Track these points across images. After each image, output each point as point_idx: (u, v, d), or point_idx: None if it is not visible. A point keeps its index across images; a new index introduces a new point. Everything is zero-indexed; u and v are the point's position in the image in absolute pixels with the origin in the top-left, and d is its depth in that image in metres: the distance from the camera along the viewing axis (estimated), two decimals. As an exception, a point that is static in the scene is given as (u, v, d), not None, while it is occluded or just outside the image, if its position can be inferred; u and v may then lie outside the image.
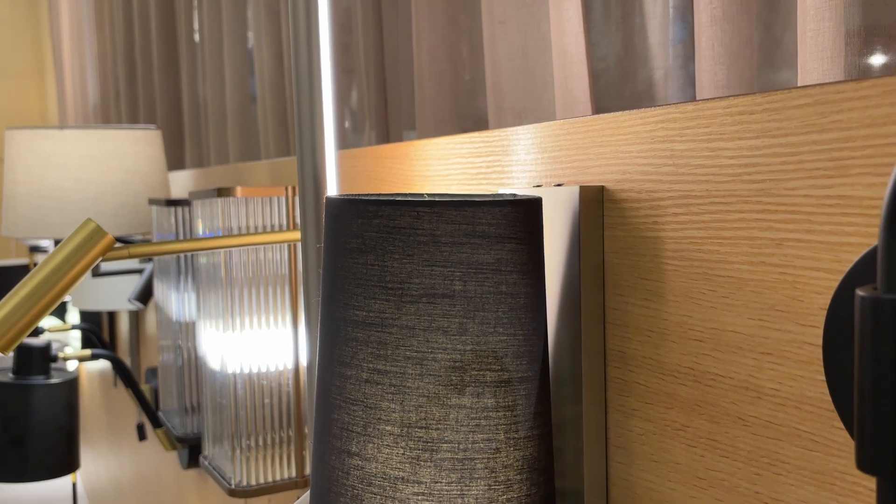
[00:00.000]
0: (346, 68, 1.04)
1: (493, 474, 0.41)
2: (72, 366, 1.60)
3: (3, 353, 0.62)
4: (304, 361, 0.86)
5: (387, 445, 0.40)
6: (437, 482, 0.40)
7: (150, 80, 1.91)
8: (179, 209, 1.04)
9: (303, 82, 0.60)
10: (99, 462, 2.54)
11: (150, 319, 1.68)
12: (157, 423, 1.38)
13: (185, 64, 1.68)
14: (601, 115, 0.46)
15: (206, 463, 0.92)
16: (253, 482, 0.85)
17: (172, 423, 1.12)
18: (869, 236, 0.33)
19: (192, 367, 1.07)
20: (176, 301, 1.09)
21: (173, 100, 1.76)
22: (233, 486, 0.84)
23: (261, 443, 0.85)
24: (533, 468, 0.42)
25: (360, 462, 0.41)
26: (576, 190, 0.46)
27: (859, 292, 0.28)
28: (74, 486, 1.48)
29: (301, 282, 0.85)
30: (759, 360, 0.38)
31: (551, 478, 0.44)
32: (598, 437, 0.48)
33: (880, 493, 0.28)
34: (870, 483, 0.34)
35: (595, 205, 0.47)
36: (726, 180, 0.39)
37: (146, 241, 0.67)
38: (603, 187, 0.46)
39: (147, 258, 1.45)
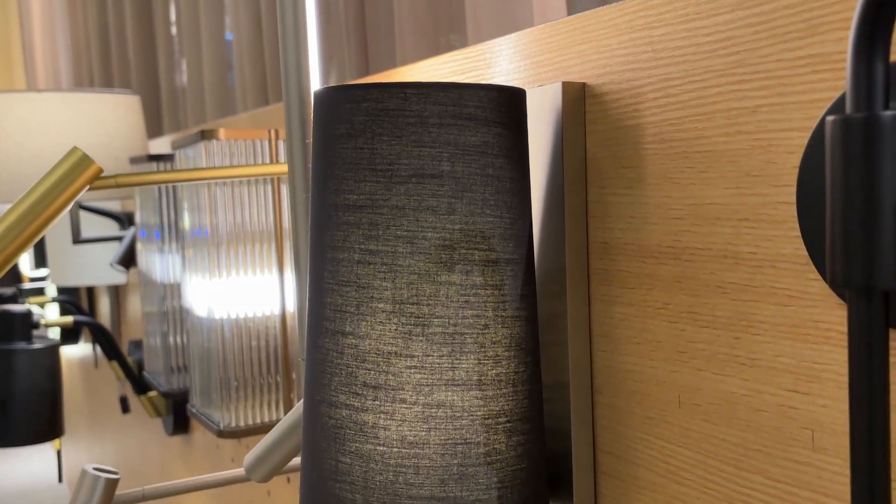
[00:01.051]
0: (325, 5, 1.04)
1: (483, 349, 0.42)
2: (53, 333, 1.59)
3: (-8, 279, 0.62)
4: (290, 307, 0.87)
5: (379, 322, 0.42)
6: (428, 356, 0.41)
7: (123, 36, 1.90)
8: (162, 165, 1.04)
9: (287, 18, 0.61)
10: (80, 448, 2.53)
11: (131, 297, 1.68)
12: (141, 391, 1.39)
13: (161, 37, 1.67)
14: (580, 14, 0.48)
15: (194, 410, 0.92)
16: (241, 423, 0.86)
17: (158, 381, 1.12)
18: (839, 89, 0.35)
19: (178, 326, 1.08)
20: (160, 263, 1.09)
21: (149, 66, 1.76)
22: (221, 428, 0.85)
23: (248, 387, 0.86)
24: (520, 347, 0.43)
25: (353, 340, 0.42)
26: (558, 87, 0.48)
27: (829, 118, 0.30)
28: (59, 452, 1.47)
29: (287, 236, 0.86)
30: (737, 226, 0.40)
31: (538, 360, 0.45)
32: (582, 330, 0.49)
33: (852, 306, 0.29)
34: (841, 326, 0.35)
35: (577, 102, 0.48)
36: (703, 58, 0.40)
37: (134, 174, 0.67)
38: (584, 84, 0.48)
39: (128, 225, 1.45)
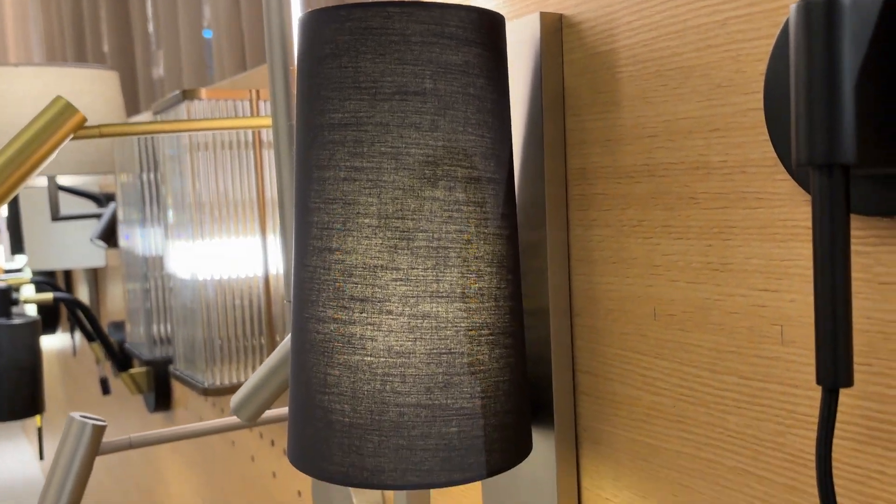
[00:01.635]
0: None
1: (465, 263, 0.43)
2: (31, 311, 1.58)
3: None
4: (273, 270, 0.88)
5: (366, 237, 0.43)
6: (413, 269, 0.43)
7: (97, 13, 1.89)
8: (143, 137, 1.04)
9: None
10: (60, 434, 2.51)
11: (110, 280, 1.68)
12: (123, 368, 1.38)
13: (136, 15, 1.67)
14: (557, -53, 0.49)
15: (178, 373, 0.93)
16: (226, 382, 0.86)
17: (140, 352, 1.12)
18: (802, -6, 0.36)
19: (161, 296, 1.08)
20: (142, 237, 1.10)
21: (125, 41, 1.75)
22: (206, 386, 0.86)
23: (232, 346, 0.87)
24: (502, 264, 0.45)
25: (340, 256, 0.43)
26: (536, 18, 0.49)
27: (792, 5, 0.31)
28: (40, 430, 1.47)
29: (269, 202, 0.87)
30: (708, 137, 0.41)
31: (519, 280, 0.47)
32: (561, 255, 0.51)
33: (815, 182, 0.31)
34: (806, 221, 0.37)
35: (555, 33, 0.50)
36: (674, -23, 0.42)
37: (118, 124, 0.68)
38: (562, 15, 0.49)
39: (109, 201, 1.45)
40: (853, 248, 0.36)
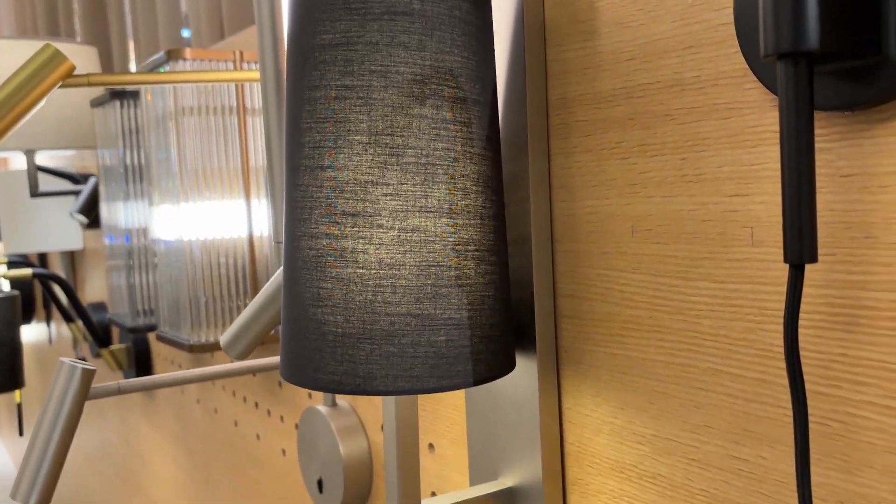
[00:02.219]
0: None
1: (453, 181, 0.45)
2: (6, 286, 1.58)
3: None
4: (257, 232, 0.89)
5: (356, 154, 0.45)
6: (403, 184, 0.44)
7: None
8: (127, 102, 1.05)
9: None
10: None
11: (88, 262, 1.67)
12: (103, 344, 1.39)
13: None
14: None
15: (163, 334, 0.94)
16: (211, 339, 0.88)
17: (123, 321, 1.13)
18: None
19: (144, 266, 1.09)
20: (124, 209, 1.10)
21: (98, 16, 1.75)
22: (191, 343, 0.87)
23: (217, 305, 0.88)
24: (487, 185, 0.47)
25: (332, 173, 0.45)
26: (516, -46, 0.51)
27: None
28: (19, 406, 1.46)
29: (252, 169, 0.88)
30: (682, 55, 0.44)
31: (503, 202, 0.49)
32: (543, 184, 0.53)
33: (781, 70, 0.33)
34: (774, 125, 0.39)
35: (534, -32, 0.52)
36: None
37: (106, 74, 0.69)
38: (540, -49, 0.51)
39: (85, 177, 1.45)
40: (817, 145, 0.38)
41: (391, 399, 0.52)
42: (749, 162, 0.41)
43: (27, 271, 1.33)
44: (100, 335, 1.39)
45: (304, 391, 0.88)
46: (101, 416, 1.77)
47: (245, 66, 0.87)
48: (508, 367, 0.48)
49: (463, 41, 0.45)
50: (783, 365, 0.40)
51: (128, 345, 1.39)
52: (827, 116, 0.37)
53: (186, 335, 0.88)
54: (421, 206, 0.45)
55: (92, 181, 1.31)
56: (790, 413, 0.40)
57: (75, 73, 0.76)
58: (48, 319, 2.17)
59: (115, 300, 1.15)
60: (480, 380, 0.46)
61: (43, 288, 1.49)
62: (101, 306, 1.60)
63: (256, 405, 1.00)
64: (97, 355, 1.60)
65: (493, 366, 0.47)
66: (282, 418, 0.94)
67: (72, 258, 1.82)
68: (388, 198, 0.44)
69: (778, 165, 0.40)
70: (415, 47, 0.44)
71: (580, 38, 0.49)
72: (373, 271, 0.45)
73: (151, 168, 0.94)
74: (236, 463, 1.08)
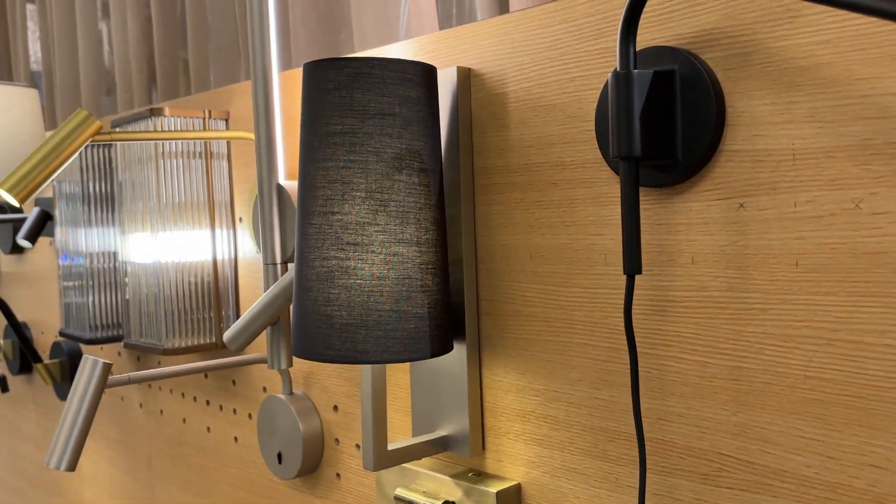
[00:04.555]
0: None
1: (419, 222, 0.69)
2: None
3: (20, 204, 0.81)
4: (219, 256, 1.09)
5: (357, 204, 0.68)
6: (388, 224, 0.68)
7: None
8: (99, 149, 1.22)
9: (254, 13, 0.86)
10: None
11: (14, 286, 1.78)
12: (36, 359, 1.52)
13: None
14: (465, 26, 0.77)
15: (135, 343, 1.12)
16: (183, 344, 1.07)
17: (81, 334, 1.28)
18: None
19: (105, 287, 1.24)
20: (85, 235, 1.25)
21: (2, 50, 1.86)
22: (164, 347, 1.06)
23: (186, 319, 1.07)
24: (439, 224, 0.71)
25: (340, 217, 0.68)
26: (454, 70, 0.76)
27: (611, 73, 0.60)
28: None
29: (217, 202, 1.08)
30: (563, 147, 0.70)
31: (446, 234, 0.73)
32: (469, 224, 0.77)
33: (622, 166, 0.60)
34: (617, 196, 0.66)
35: (465, 79, 0.77)
36: (542, 50, 0.70)
37: (125, 132, 0.88)
38: (469, 69, 0.77)
39: (8, 211, 1.57)
40: (641, 206, 0.65)
41: (369, 368, 0.75)
42: (604, 214, 0.67)
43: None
44: (35, 352, 1.51)
45: (257, 387, 1.09)
46: (16, 432, 1.86)
47: (212, 122, 1.08)
48: (449, 347, 0.72)
49: (424, 132, 0.70)
50: (624, 335, 0.66)
51: (62, 359, 1.52)
52: (647, 191, 0.64)
53: (160, 342, 1.06)
54: (399, 239, 0.68)
55: (35, 210, 1.45)
56: (629, 367, 0.66)
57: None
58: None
59: (70, 316, 1.30)
60: (434, 354, 0.70)
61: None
62: (24, 325, 1.72)
63: (208, 402, 1.19)
64: (19, 372, 1.71)
65: (441, 346, 0.71)
66: (234, 411, 1.14)
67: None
68: (378, 233, 0.68)
69: (617, 215, 0.66)
70: (396, 136, 0.68)
71: (497, 129, 0.75)
72: (367, 282, 0.68)
73: (125, 199, 1.12)
74: (184, 455, 1.26)
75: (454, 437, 0.79)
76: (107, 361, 0.86)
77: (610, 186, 0.67)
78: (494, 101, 0.75)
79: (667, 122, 0.60)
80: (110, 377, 0.87)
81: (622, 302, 0.66)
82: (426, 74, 0.70)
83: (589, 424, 0.70)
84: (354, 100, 0.68)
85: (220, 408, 1.16)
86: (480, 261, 0.78)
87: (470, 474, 0.79)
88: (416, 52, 0.82)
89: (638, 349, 0.66)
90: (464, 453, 0.78)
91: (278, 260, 0.84)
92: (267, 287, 0.85)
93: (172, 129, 1.05)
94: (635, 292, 0.65)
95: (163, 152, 1.04)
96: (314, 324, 0.69)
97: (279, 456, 1.00)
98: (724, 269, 0.60)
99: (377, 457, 0.75)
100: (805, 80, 0.55)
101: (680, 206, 0.62)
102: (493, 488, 0.75)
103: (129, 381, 0.89)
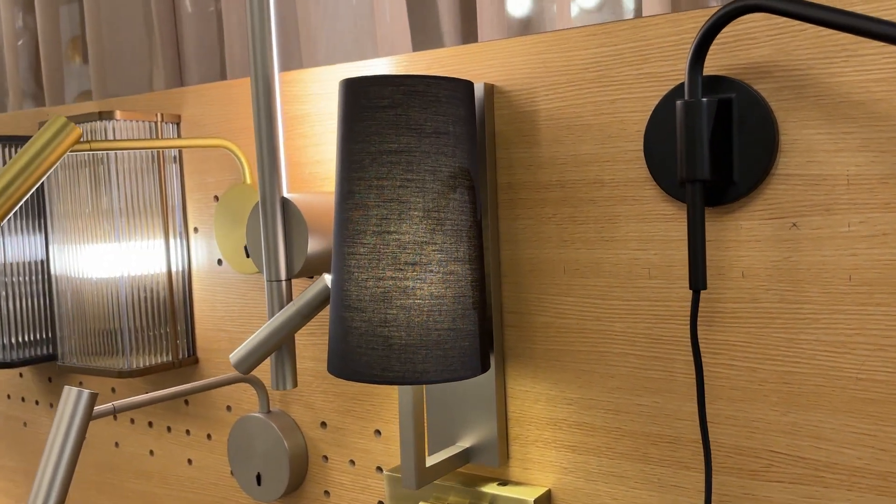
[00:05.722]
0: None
1: (469, 239, 0.70)
2: None
3: None
4: (174, 267, 1.02)
5: (415, 223, 0.67)
6: (444, 243, 0.68)
7: None
8: (10, 147, 1.10)
9: (254, 14, 0.81)
10: None
11: None
12: None
13: None
14: (490, 42, 0.78)
15: (69, 364, 1.02)
16: (141, 364, 0.99)
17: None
18: (660, 90, 0.69)
19: (37, 300, 1.12)
20: (12, 243, 1.12)
21: None
22: (120, 369, 0.98)
23: (141, 336, 1.00)
24: (480, 241, 0.72)
25: (397, 236, 0.67)
26: (481, 85, 0.77)
27: (679, 101, 0.64)
28: None
29: (170, 208, 1.01)
30: (602, 165, 0.72)
31: (483, 251, 0.74)
32: (494, 239, 0.79)
33: (689, 189, 0.64)
34: (661, 211, 0.70)
35: (489, 95, 0.78)
36: (579, 71, 0.73)
37: (106, 140, 0.80)
38: (493, 85, 0.78)
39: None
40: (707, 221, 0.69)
41: (409, 387, 0.74)
42: (647, 230, 0.71)
43: None
44: None
45: (218, 406, 1.03)
46: None
47: (164, 125, 1.01)
48: (489, 362, 0.73)
49: (471, 149, 0.70)
50: (668, 346, 0.71)
51: (-58, 383, 1.36)
52: (709, 208, 0.69)
53: (113, 363, 0.98)
54: (455, 257, 0.68)
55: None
56: (674, 374, 0.71)
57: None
58: None
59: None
60: (483, 370, 0.71)
61: None
62: None
63: (151, 424, 1.12)
64: None
65: (486, 361, 0.72)
66: (188, 432, 1.07)
67: None
68: (436, 252, 0.68)
69: (667, 234, 0.70)
70: (450, 154, 0.68)
71: (524, 144, 0.76)
72: (426, 301, 0.67)
73: (53, 208, 1.02)
74: (116, 481, 1.17)
75: (479, 448, 0.80)
76: (92, 392, 0.79)
77: (655, 204, 0.70)
78: (522, 118, 0.76)
79: (725, 146, 0.65)
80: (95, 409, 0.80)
81: (668, 314, 0.70)
82: (469, 92, 0.70)
83: (628, 430, 0.73)
84: (411, 118, 0.67)
85: (168, 429, 1.09)
86: (504, 274, 0.79)
87: (496, 483, 0.80)
88: (430, 66, 0.82)
89: (685, 357, 0.70)
90: (491, 463, 0.80)
91: (282, 276, 0.81)
92: (271, 304, 0.81)
93: (124, 133, 0.97)
94: (682, 305, 0.70)
95: (103, 157, 0.96)
96: (368, 345, 0.68)
97: (258, 477, 0.96)
98: (776, 283, 0.65)
99: (419, 474, 0.74)
100: (859, 114, 0.61)
101: (731, 224, 0.67)
102: (529, 496, 0.77)
103: (115, 411, 0.82)
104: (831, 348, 0.64)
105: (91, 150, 0.80)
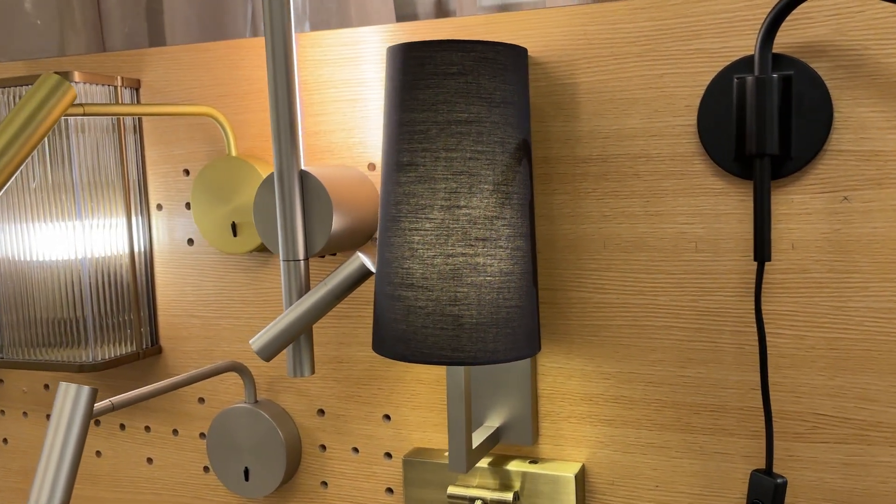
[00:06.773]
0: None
1: (530, 216, 0.68)
2: None
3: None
4: (137, 248, 0.93)
5: (485, 198, 0.64)
6: (513, 217, 0.65)
7: None
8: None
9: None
10: None
11: None
12: None
13: None
14: (536, 10, 0.75)
15: (24, 360, 0.90)
16: (106, 356, 0.89)
17: None
18: (712, 67, 0.70)
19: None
20: None
21: None
22: (81, 362, 0.88)
23: (106, 325, 0.90)
24: (534, 227, 0.70)
25: (467, 211, 0.64)
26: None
27: (749, 78, 0.65)
28: None
29: (132, 184, 0.91)
30: (648, 140, 0.73)
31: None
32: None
33: (758, 163, 0.65)
34: (710, 185, 0.71)
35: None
36: (625, 45, 0.72)
37: (101, 104, 0.70)
38: (525, 49, 0.76)
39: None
40: (741, 198, 0.71)
41: (460, 369, 0.71)
42: (695, 204, 0.72)
43: None
44: None
45: (187, 399, 0.95)
46: None
47: (124, 90, 0.90)
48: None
49: (528, 121, 0.68)
50: (715, 318, 0.72)
51: None
52: (746, 183, 0.70)
53: (63, 356, 0.88)
54: (521, 232, 0.66)
55: None
56: (719, 344, 0.72)
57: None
58: None
59: None
60: (540, 348, 0.69)
61: None
62: None
63: (98, 423, 1.01)
64: None
65: (540, 339, 0.70)
66: (147, 429, 0.98)
67: None
68: (505, 227, 0.65)
69: (715, 208, 0.71)
70: (517, 126, 0.66)
71: (563, 120, 0.75)
72: (497, 278, 0.65)
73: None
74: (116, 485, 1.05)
75: (509, 427, 0.79)
76: (92, 387, 0.69)
77: (703, 178, 0.71)
78: (560, 90, 0.75)
79: (786, 122, 0.67)
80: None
81: (716, 286, 0.72)
82: (526, 60, 0.68)
83: (670, 401, 0.74)
84: (481, 86, 0.64)
85: (122, 426, 0.99)
86: (539, 250, 0.78)
87: (528, 461, 0.79)
88: (456, 34, 0.78)
89: (732, 328, 0.72)
90: (525, 442, 0.78)
91: (301, 256, 0.75)
92: (288, 286, 0.75)
93: (85, 98, 0.86)
94: (729, 277, 0.71)
95: (56, 128, 0.85)
96: (436, 325, 0.64)
97: (246, 472, 0.90)
98: (826, 254, 0.69)
99: (469, 456, 0.72)
100: (912, 93, 0.65)
101: (782, 198, 0.69)
102: (569, 472, 0.76)
103: (113, 408, 0.73)
104: (880, 315, 0.67)
105: (84, 114, 0.70)
